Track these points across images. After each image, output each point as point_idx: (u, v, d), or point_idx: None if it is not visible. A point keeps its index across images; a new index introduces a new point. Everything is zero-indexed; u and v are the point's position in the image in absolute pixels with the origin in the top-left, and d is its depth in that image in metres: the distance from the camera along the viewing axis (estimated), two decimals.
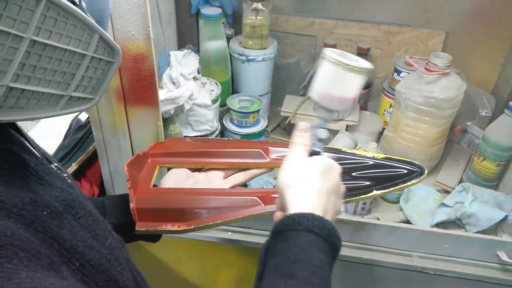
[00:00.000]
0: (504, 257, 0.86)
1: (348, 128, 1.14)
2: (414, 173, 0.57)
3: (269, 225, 0.93)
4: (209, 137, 0.73)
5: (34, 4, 0.29)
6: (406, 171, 0.58)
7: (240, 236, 0.96)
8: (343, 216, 0.89)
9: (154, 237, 0.63)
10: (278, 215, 0.50)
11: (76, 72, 0.35)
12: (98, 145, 0.84)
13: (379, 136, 1.19)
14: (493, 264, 0.89)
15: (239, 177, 0.64)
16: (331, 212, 0.47)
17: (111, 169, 0.88)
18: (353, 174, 0.60)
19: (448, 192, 1.06)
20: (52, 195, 0.36)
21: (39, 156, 0.40)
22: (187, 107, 0.92)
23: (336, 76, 0.53)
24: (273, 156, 0.64)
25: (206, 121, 0.98)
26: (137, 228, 0.57)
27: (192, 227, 0.57)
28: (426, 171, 0.58)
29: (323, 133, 0.54)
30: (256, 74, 1.13)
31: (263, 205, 0.57)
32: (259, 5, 1.04)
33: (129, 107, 0.78)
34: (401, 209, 1.01)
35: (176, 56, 0.96)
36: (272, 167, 0.64)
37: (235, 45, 1.12)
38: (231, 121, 1.08)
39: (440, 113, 0.99)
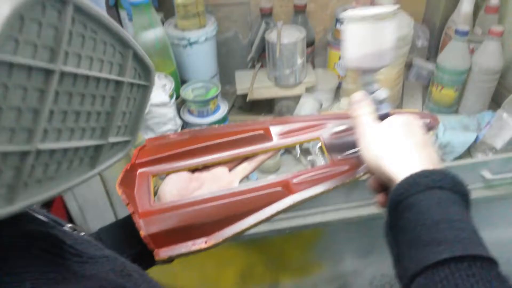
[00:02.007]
0: (488, 175, 0.90)
1: (307, 90, 1.11)
2: (429, 123, 0.55)
3: None
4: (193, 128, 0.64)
5: (56, 15, 0.19)
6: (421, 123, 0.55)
7: None
8: None
9: None
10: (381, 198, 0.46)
11: (115, 109, 0.25)
12: None
13: (336, 91, 1.18)
14: (479, 184, 0.93)
15: (246, 168, 0.57)
16: (438, 163, 0.42)
17: (79, 202, 0.76)
18: None
19: None
20: (105, 270, 0.27)
21: (58, 224, 0.31)
22: (145, 110, 0.81)
23: (369, 33, 0.47)
24: (276, 135, 0.58)
25: (168, 120, 0.88)
26: (158, 258, 0.49)
27: (221, 240, 0.50)
28: (438, 118, 0.56)
29: (382, 94, 0.48)
30: (201, 57, 1.04)
31: (290, 194, 0.52)
32: None
33: None
34: None
35: None
36: (279, 148, 0.58)
37: (171, 30, 1.01)
38: (190, 113, 0.99)
39: (396, 52, 0.98)
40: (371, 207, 0.89)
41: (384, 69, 1.01)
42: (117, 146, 0.27)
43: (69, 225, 0.35)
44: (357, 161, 0.54)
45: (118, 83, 0.25)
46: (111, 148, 0.26)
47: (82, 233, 0.35)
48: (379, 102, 0.49)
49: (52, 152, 0.21)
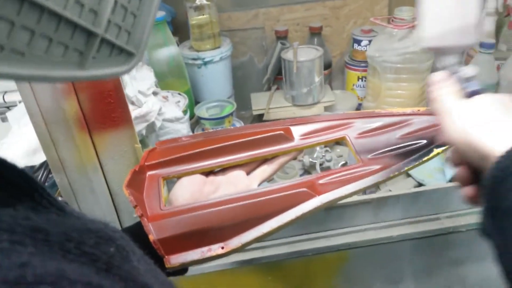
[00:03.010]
0: None
1: (325, 109, 1.07)
2: None
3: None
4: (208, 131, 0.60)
5: None
6: None
7: (253, 254, 0.83)
8: (363, 196, 0.81)
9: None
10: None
11: None
12: (64, 192, 0.67)
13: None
14: None
15: (266, 170, 0.52)
16: None
17: None
18: (401, 135, 0.52)
19: None
20: (98, 227, 0.22)
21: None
22: (158, 124, 0.78)
23: (451, 3, 0.41)
24: (297, 136, 0.54)
25: (181, 136, 0.84)
26: (169, 265, 0.43)
27: (240, 245, 0.44)
28: None
29: (470, 71, 0.41)
30: (216, 77, 1.02)
31: (317, 195, 0.46)
32: (203, 1, 0.94)
33: (96, 134, 0.63)
34: (408, 176, 0.95)
35: None
36: (301, 148, 0.53)
37: (185, 51, 1.00)
38: None
39: (419, 67, 0.95)
40: (401, 227, 0.82)
41: (408, 85, 0.98)
42: (118, 57, 0.23)
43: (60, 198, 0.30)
44: (390, 160, 0.49)
45: None
46: (110, 56, 0.22)
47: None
48: (466, 80, 0.42)
49: (20, 7, 0.16)
